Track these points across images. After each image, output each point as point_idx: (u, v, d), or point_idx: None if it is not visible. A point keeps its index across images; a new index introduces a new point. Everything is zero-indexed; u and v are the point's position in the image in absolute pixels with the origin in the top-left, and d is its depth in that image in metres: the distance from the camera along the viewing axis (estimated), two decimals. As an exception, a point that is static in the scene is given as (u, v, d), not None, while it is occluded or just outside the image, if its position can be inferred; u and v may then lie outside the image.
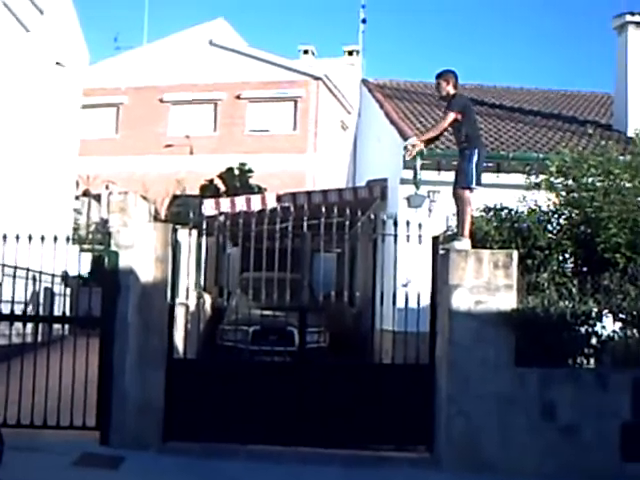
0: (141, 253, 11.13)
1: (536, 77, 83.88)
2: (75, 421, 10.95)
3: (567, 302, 10.41)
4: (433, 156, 16.49)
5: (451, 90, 11.18)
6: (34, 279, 12.85)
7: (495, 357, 10.48)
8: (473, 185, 10.89)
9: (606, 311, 10.72)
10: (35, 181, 20.66)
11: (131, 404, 10.89)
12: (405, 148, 11.10)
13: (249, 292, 12.14)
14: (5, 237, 11.15)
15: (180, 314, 12.29)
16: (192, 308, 13.54)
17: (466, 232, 10.91)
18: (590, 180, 11.68)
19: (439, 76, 11.29)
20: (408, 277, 12.51)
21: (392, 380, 11.31)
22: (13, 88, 19.36)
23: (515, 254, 10.72)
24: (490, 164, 16.58)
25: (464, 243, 10.83)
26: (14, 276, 11.67)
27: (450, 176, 15.97)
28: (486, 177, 15.88)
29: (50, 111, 22.25)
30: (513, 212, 11.67)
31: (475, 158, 10.91)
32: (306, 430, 11.13)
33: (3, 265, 11.67)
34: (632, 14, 20.10)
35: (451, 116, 11.01)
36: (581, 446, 10.27)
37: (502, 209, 11.77)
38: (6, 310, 11.44)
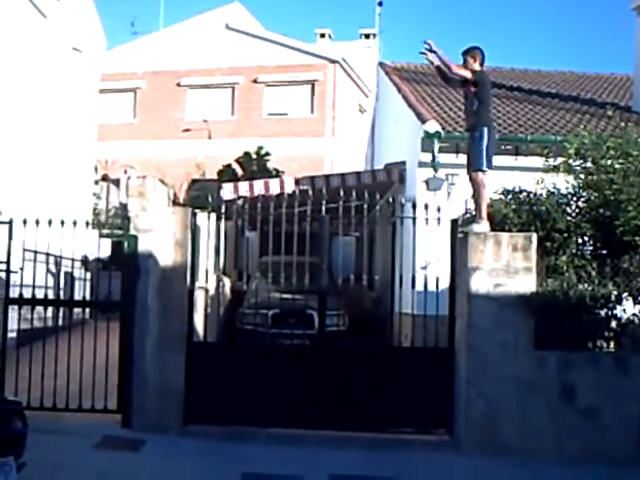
0: (160, 237, 11.18)
1: (554, 59, 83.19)
2: (96, 404, 11.05)
3: (586, 285, 10.43)
4: (451, 139, 16.44)
5: (477, 67, 11.20)
6: (55, 263, 12.92)
7: (514, 340, 10.49)
8: (484, 167, 10.90)
9: (626, 294, 10.73)
10: (54, 166, 20.76)
11: (152, 387, 10.97)
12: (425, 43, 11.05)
13: (268, 275, 12.19)
14: (25, 222, 11.20)
15: (200, 298, 12.34)
16: (212, 292, 13.57)
17: (484, 214, 10.90)
18: (609, 162, 11.64)
19: (466, 52, 11.29)
20: (427, 260, 12.51)
21: (412, 363, 11.34)
22: (31, 74, 19.44)
23: (534, 237, 10.71)
24: (509, 147, 16.58)
25: (483, 225, 10.82)
26: (35, 260, 11.72)
27: (468, 159, 16.04)
28: (504, 160, 16.00)
29: (68, 96, 22.34)
30: (532, 195, 11.65)
31: (485, 139, 10.93)
32: (326, 413, 11.19)
33: (24, 250, 11.73)
34: (651, -5, 19.93)
35: (466, 73, 11.08)
36: (601, 429, 10.29)
37: (521, 192, 11.76)
38: (27, 294, 11.51)
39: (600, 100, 21.23)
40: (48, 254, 12.24)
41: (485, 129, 11.00)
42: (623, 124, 12.85)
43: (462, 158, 16.20)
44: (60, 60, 21.61)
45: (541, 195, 11.61)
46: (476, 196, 11.04)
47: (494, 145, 11.26)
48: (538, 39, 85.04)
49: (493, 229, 10.92)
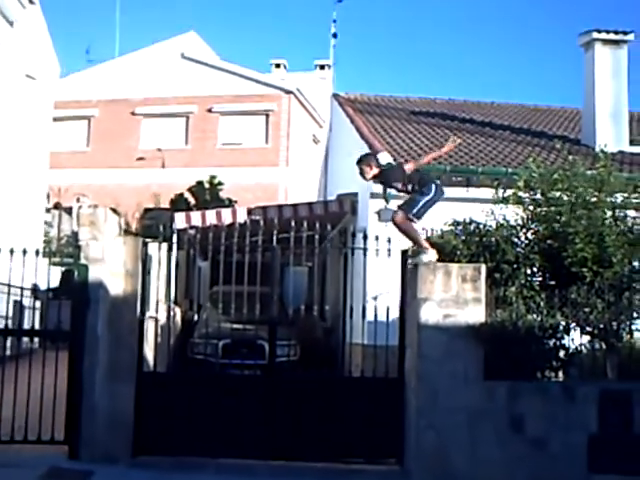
0: (111, 266, 11.12)
1: (507, 92, 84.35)
2: (43, 435, 10.89)
3: (535, 315, 10.53)
4: (403, 170, 16.55)
5: (375, 171, 11.23)
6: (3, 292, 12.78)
7: (464, 370, 10.54)
8: (411, 216, 10.90)
9: (573, 324, 10.85)
10: (5, 193, 20.56)
11: (100, 418, 10.85)
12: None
13: (219, 305, 12.13)
14: (-26, 250, 11.09)
15: (150, 328, 12.26)
16: (162, 321, 13.49)
17: (425, 245, 10.98)
18: (557, 195, 11.77)
19: (359, 162, 11.35)
20: (378, 291, 12.55)
21: (362, 393, 11.33)
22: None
23: (483, 268, 10.80)
24: (460, 178, 16.75)
25: (430, 254, 10.88)
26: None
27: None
28: (455, 191, 16.20)
29: (20, 123, 22.20)
30: (481, 226, 11.73)
31: (431, 194, 10.99)
32: (277, 443, 11.14)
33: (-28, 278, 11.61)
34: (599, 31, 20.34)
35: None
36: (549, 458, 10.35)
37: (470, 223, 11.84)
38: (-25, 324, 11.39)
39: (550, 133, 21.61)
40: (-4, 282, 12.11)
41: (433, 186, 11.11)
42: (571, 157, 13.02)
43: (414, 189, 16.41)
44: (13, 87, 21.49)
45: (491, 226, 11.70)
46: (408, 235, 11.09)
47: (434, 202, 11.19)
48: (490, 72, 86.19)
49: (442, 260, 10.99)
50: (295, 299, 14.98)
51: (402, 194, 11.31)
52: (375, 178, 11.25)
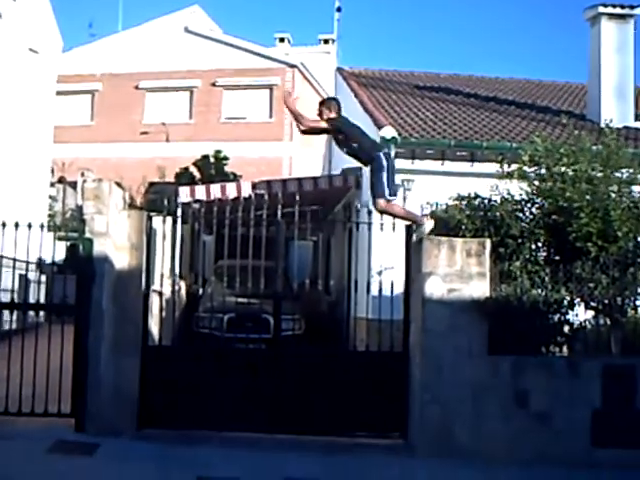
0: (115, 240, 11.14)
1: (511, 67, 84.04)
2: (50, 408, 10.96)
3: (539, 290, 10.53)
4: (407, 145, 16.59)
5: (333, 115, 11.23)
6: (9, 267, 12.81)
7: (468, 345, 10.57)
8: (387, 196, 10.89)
9: (578, 299, 10.88)
10: (9, 168, 20.56)
11: (106, 391, 10.90)
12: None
13: (224, 279, 12.15)
14: (-21, 224, 11.11)
15: (155, 301, 12.29)
16: (167, 295, 13.53)
17: (418, 217, 11.06)
18: (562, 170, 11.76)
19: (321, 103, 11.43)
20: (382, 265, 12.57)
21: (366, 367, 11.36)
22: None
23: (488, 243, 10.81)
24: (464, 153, 16.74)
25: (429, 224, 10.89)
26: (-12, 263, 11.65)
27: (424, 165, 16.19)
28: (460, 166, 16.19)
29: (24, 98, 22.16)
30: (486, 201, 11.74)
31: (384, 168, 10.91)
32: (281, 417, 11.19)
33: (-23, 252, 11.63)
34: (604, 5, 20.22)
35: (321, 123, 11.19)
36: (553, 432, 10.40)
37: (475, 198, 11.85)
38: (-19, 297, 11.43)
39: (555, 108, 21.52)
40: (2, 257, 12.13)
41: (380, 155, 11.03)
42: (576, 132, 13.00)
43: (418, 164, 16.44)
44: (16, 61, 21.44)
45: (495, 201, 11.71)
46: (398, 216, 11.15)
47: (393, 170, 11.21)
48: (496, 47, 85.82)
49: (447, 234, 11.00)
50: (300, 273, 15.03)
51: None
52: (330, 121, 11.17)
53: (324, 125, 11.14)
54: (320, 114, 11.26)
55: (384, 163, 10.90)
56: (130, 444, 10.65)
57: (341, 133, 11.19)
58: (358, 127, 11.53)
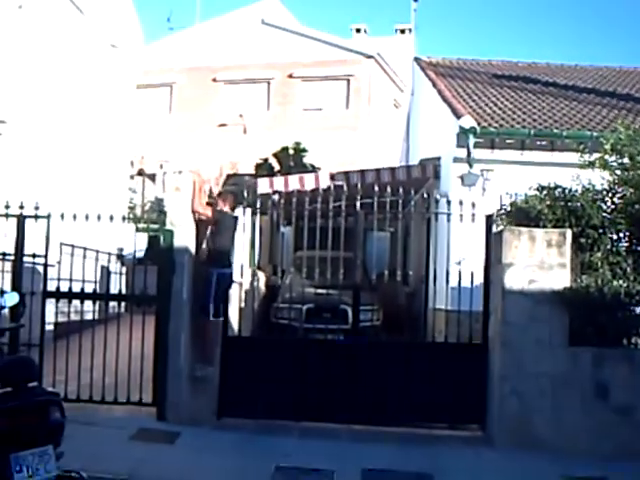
0: (196, 232, 11.26)
1: (591, 54, 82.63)
2: (132, 397, 11.18)
3: (621, 281, 10.36)
4: (487, 134, 16.42)
5: (226, 209, 11.44)
6: (89, 257, 13.03)
7: (549, 336, 10.48)
8: (210, 317, 11.06)
9: (661, 291, 10.66)
10: (91, 161, 20.92)
11: (186, 381, 11.04)
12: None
13: (303, 270, 12.20)
14: (63, 216, 11.32)
15: (235, 292, 12.40)
16: (246, 286, 13.64)
17: (208, 354, 11.22)
18: (646, 158, 11.55)
19: (219, 195, 11.64)
20: (461, 256, 12.51)
21: (445, 359, 11.35)
22: (69, 70, 19.61)
23: (569, 233, 10.69)
24: (544, 142, 16.52)
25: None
26: (72, 255, 11.85)
27: (504, 154, 16.04)
28: (539, 155, 15.98)
29: (105, 91, 22.49)
30: (567, 191, 11.58)
31: (213, 282, 11.06)
32: (360, 408, 11.23)
33: (61, 244, 11.85)
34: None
35: (207, 211, 11.30)
36: (635, 426, 10.25)
37: (556, 188, 11.69)
38: (64, 288, 11.64)
39: (637, 95, 21.06)
40: (85, 248, 12.36)
41: (214, 273, 11.10)
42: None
43: (497, 153, 16.28)
44: (98, 56, 21.77)
45: (576, 191, 11.55)
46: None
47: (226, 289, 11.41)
48: (575, 35, 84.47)
49: (527, 225, 10.90)
50: (378, 264, 14.99)
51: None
52: (218, 214, 11.31)
53: (208, 214, 11.24)
54: (215, 204, 11.43)
55: (213, 281, 11.02)
56: (210, 433, 10.81)
57: (216, 226, 11.23)
58: (232, 231, 11.60)
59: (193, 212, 11.29)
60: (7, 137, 16.87)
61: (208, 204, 11.38)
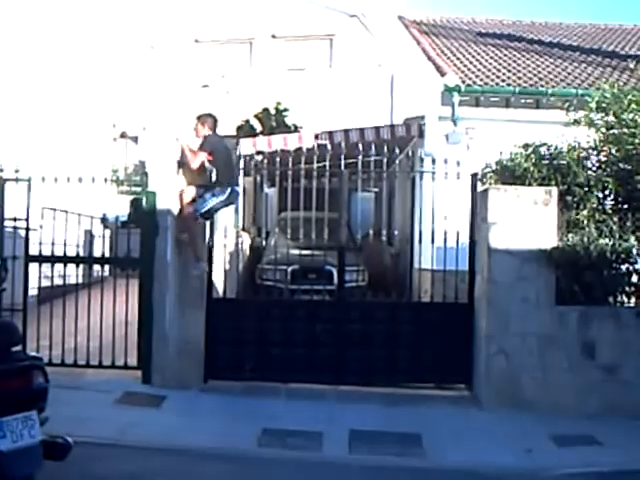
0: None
1: (575, 11, 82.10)
2: (117, 361, 11.11)
3: (607, 239, 10.32)
4: (471, 92, 16.34)
5: (207, 132, 11.10)
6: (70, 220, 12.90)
7: (535, 295, 10.46)
8: (199, 215, 11.00)
9: (647, 248, 10.63)
10: (73, 123, 20.70)
11: (172, 344, 10.99)
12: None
13: (287, 232, 12.13)
14: (44, 179, 11.20)
15: (219, 254, 12.32)
16: (230, 248, 13.56)
17: (198, 254, 11.12)
18: (630, 116, 11.49)
19: (198, 118, 11.27)
20: (446, 215, 12.45)
21: (431, 319, 11.32)
22: (48, 28, 19.35)
23: (554, 191, 10.63)
24: (529, 100, 16.45)
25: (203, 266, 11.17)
26: (54, 218, 11.73)
27: (488, 112, 15.94)
28: (525, 113, 15.88)
29: (86, 52, 22.23)
30: (552, 148, 11.53)
31: (223, 197, 10.95)
32: (346, 369, 11.23)
33: (43, 208, 11.73)
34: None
35: (201, 156, 10.94)
36: (621, 384, 10.28)
37: (541, 145, 11.64)
38: (47, 252, 11.53)
39: (623, 53, 20.96)
40: (67, 212, 12.23)
41: (227, 190, 11.01)
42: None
43: (482, 111, 16.19)
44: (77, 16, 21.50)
45: (562, 149, 11.49)
46: (190, 236, 11.17)
47: (229, 202, 11.30)
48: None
49: (513, 183, 10.84)
50: (363, 225, 14.93)
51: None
52: (205, 139, 11.07)
53: (206, 155, 10.98)
54: (195, 129, 11.20)
55: (225, 195, 10.98)
56: (196, 396, 10.78)
57: (211, 153, 11.04)
58: (228, 149, 11.49)
59: (185, 166, 11.15)
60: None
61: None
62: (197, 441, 9.02)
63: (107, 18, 24.47)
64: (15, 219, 11.36)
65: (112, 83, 25.98)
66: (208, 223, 11.41)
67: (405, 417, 10.28)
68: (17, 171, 11.21)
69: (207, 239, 11.45)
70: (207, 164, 11.02)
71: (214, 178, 11.02)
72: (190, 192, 10.89)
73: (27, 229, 11.38)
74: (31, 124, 17.90)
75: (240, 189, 11.99)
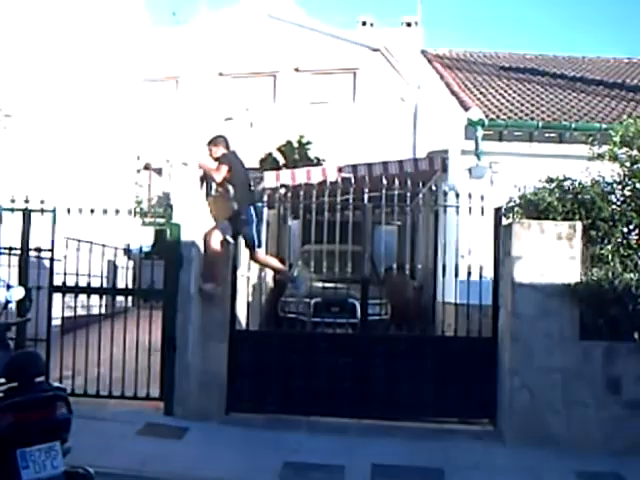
0: (203, 226, 11.18)
1: (599, 46, 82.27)
2: (139, 392, 11.11)
3: (632, 274, 10.25)
4: (495, 126, 16.36)
5: (222, 151, 11.35)
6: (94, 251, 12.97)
7: (559, 330, 10.39)
8: (260, 247, 11.37)
9: (673, 283, 10.54)
10: (97, 155, 20.85)
11: (194, 375, 10.99)
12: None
13: (310, 264, 12.14)
14: (69, 210, 11.27)
15: (242, 286, 12.33)
16: (254, 280, 13.57)
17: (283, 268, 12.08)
18: (655, 151, 11.46)
19: (209, 143, 11.49)
20: (470, 249, 12.44)
21: (455, 353, 11.27)
22: (75, 64, 19.53)
23: (579, 225, 10.59)
24: (552, 134, 16.44)
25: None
26: (78, 249, 11.80)
27: (512, 147, 15.96)
28: (548, 147, 15.89)
29: (111, 85, 22.41)
30: (576, 183, 11.50)
31: (254, 218, 11.15)
32: (369, 402, 11.18)
33: (67, 238, 11.79)
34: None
35: (223, 169, 11.07)
36: (647, 421, 10.16)
37: (565, 180, 11.61)
38: (71, 282, 11.58)
39: (646, 87, 20.93)
40: (91, 242, 12.30)
41: (251, 209, 11.16)
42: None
43: (505, 146, 16.20)
44: (104, 49, 21.69)
45: (586, 183, 11.46)
46: (269, 266, 12.08)
47: (261, 219, 11.50)
48: (582, 26, 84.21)
49: (537, 218, 10.82)
50: (386, 258, 14.91)
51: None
52: (223, 158, 11.25)
53: (223, 172, 11.09)
54: (209, 153, 11.38)
55: (253, 216, 11.16)
56: (218, 428, 10.76)
57: (229, 170, 11.13)
58: (244, 166, 11.59)
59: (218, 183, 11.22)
60: (13, 130, 16.82)
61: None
62: (218, 474, 9.02)
63: (132, 51, 24.64)
64: (39, 249, 11.42)
65: (137, 115, 26.11)
66: (232, 255, 11.44)
67: (428, 452, 10.19)
68: (42, 202, 11.28)
69: (230, 271, 11.46)
70: (230, 189, 11.07)
71: (235, 206, 11.08)
72: (217, 237, 10.94)
73: (51, 259, 11.45)
74: (57, 156, 18.04)
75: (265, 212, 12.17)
